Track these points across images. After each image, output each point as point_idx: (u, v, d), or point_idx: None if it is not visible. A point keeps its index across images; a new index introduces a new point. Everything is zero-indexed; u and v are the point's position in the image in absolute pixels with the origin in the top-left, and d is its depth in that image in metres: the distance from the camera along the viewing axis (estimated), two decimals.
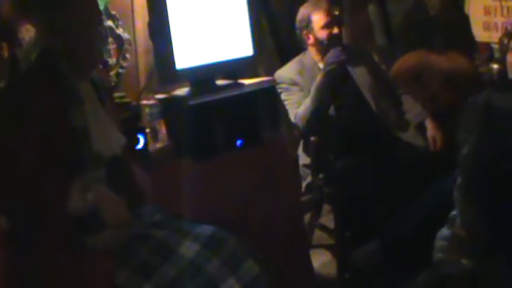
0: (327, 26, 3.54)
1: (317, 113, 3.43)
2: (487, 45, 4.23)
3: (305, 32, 3.61)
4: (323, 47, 3.56)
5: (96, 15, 2.31)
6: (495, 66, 3.80)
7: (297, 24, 3.64)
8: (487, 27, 4.35)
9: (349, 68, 3.59)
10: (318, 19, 3.56)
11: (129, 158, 2.41)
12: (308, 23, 3.58)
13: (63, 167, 2.13)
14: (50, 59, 2.21)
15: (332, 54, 3.46)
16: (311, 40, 3.61)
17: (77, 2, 2.23)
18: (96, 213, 2.10)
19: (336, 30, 3.52)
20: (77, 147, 2.15)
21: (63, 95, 2.17)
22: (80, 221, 2.09)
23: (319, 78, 3.45)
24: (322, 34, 3.56)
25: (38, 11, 2.29)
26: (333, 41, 3.52)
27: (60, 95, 2.16)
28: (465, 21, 4.23)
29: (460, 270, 1.18)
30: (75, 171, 2.13)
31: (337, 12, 3.47)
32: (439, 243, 2.05)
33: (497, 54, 3.94)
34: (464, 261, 1.19)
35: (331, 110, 3.45)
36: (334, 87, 3.44)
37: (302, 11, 3.63)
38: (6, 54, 2.71)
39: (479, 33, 4.32)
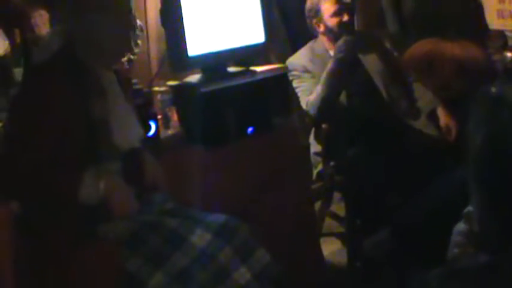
0: (336, 14, 3.50)
1: (328, 101, 3.41)
2: (501, 33, 4.18)
3: (315, 21, 3.56)
4: (334, 35, 3.53)
5: (123, 2, 2.25)
6: (509, 54, 3.77)
7: (306, 13, 3.59)
8: (500, 14, 4.30)
9: (360, 55, 3.56)
10: (327, 7, 3.51)
11: (144, 150, 2.39)
12: (317, 11, 3.53)
13: (79, 156, 2.12)
14: (73, 49, 2.17)
15: (342, 42, 3.43)
16: (321, 28, 3.56)
17: None
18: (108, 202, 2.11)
19: (345, 18, 3.49)
20: (96, 139, 2.13)
21: (85, 87, 2.14)
22: (92, 209, 2.10)
23: (330, 65, 3.43)
24: (332, 22, 3.51)
25: None
26: (343, 28, 3.49)
27: (82, 86, 2.13)
28: (478, 8, 4.19)
29: (476, 264, 1.17)
30: (91, 161, 2.11)
31: (347, 0, 3.44)
32: (455, 238, 2.04)
33: (511, 42, 3.90)
34: (480, 255, 1.18)
35: (343, 98, 3.43)
36: (345, 74, 3.42)
37: (311, 0, 3.59)
38: (18, 39, 2.71)
39: (493, 21, 4.26)
